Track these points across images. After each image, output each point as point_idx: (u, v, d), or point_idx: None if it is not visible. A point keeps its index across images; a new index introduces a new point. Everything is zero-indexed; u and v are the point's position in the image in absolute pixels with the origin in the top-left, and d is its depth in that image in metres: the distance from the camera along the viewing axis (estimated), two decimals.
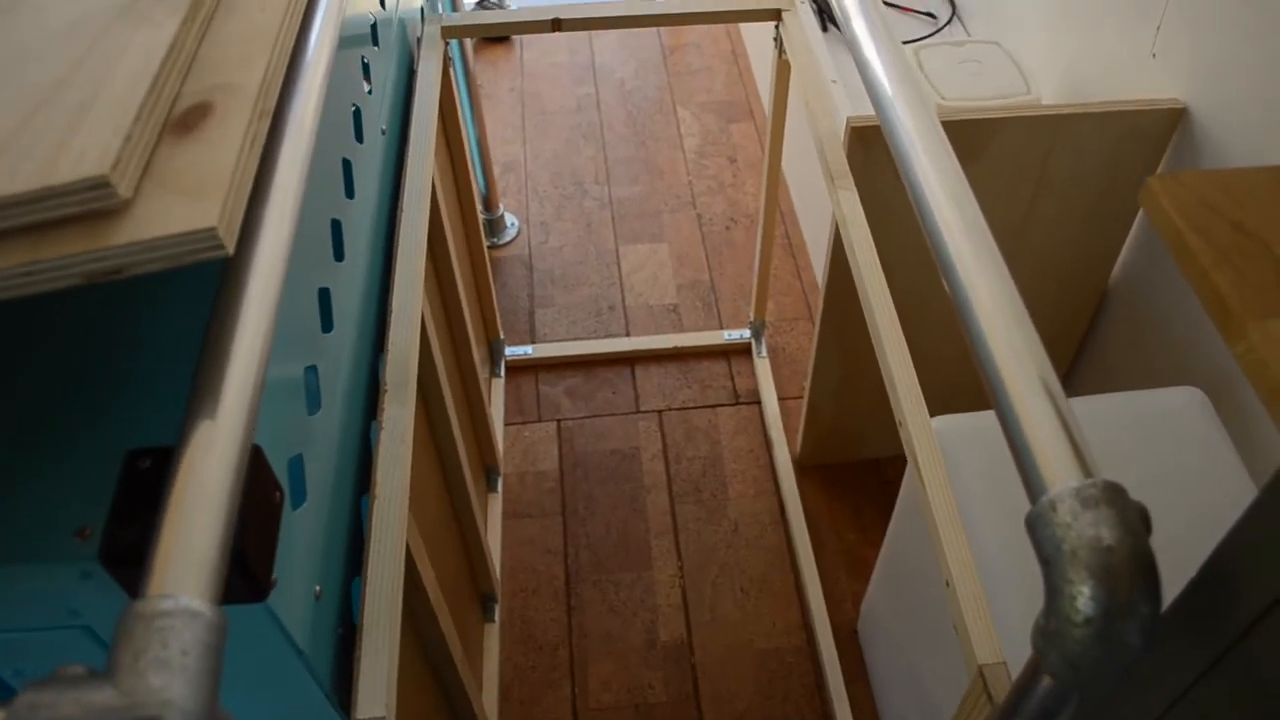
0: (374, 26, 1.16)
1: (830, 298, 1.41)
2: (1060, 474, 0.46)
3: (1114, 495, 0.45)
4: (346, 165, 0.95)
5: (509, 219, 2.27)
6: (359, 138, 1.02)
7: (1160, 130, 1.30)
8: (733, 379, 1.95)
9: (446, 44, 1.40)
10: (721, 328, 2.04)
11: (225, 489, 0.51)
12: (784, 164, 2.35)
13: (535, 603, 1.62)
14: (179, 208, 0.52)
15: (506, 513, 1.73)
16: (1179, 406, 1.12)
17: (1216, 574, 0.48)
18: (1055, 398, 0.51)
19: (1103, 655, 0.44)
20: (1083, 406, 1.13)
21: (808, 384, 1.62)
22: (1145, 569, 0.44)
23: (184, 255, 0.51)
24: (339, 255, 0.88)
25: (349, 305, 0.90)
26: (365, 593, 0.77)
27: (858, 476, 1.77)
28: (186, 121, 0.58)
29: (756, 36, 2.71)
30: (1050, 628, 0.45)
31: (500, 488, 1.74)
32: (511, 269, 2.18)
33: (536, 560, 1.67)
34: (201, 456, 0.51)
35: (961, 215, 0.64)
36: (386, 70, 1.21)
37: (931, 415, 0.93)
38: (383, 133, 1.12)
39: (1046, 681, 0.50)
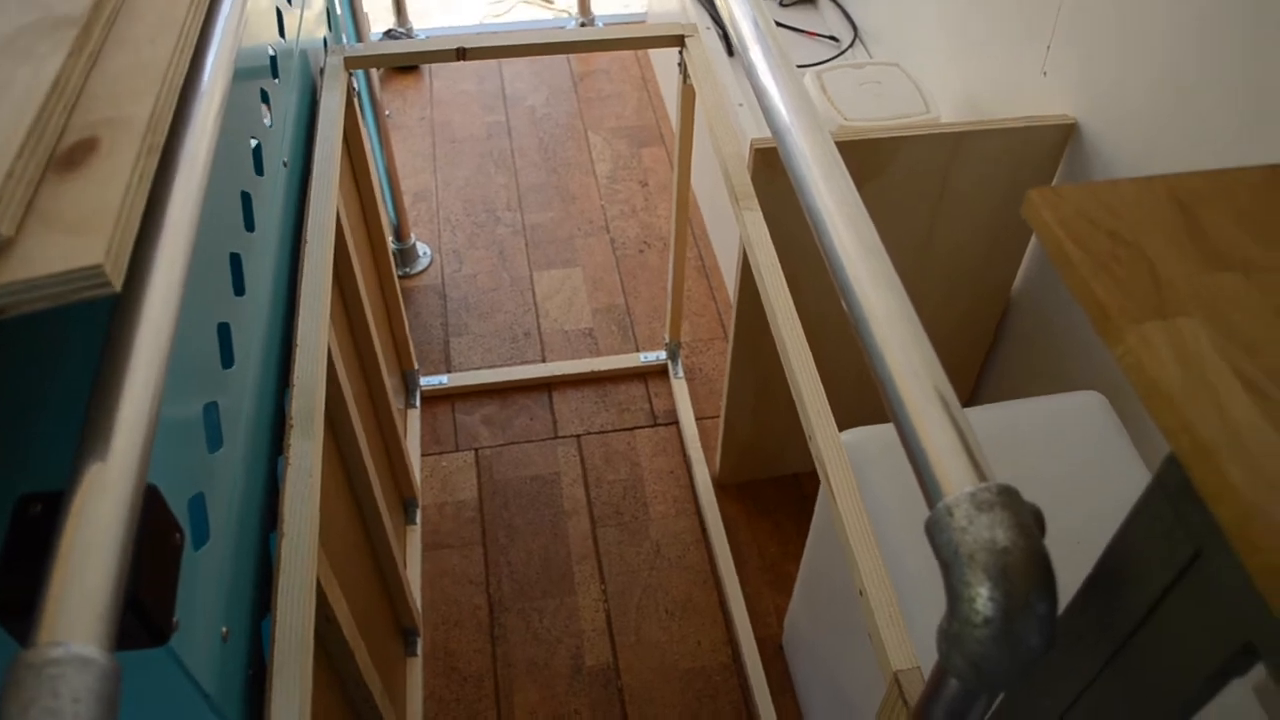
0: (273, 58, 1.15)
1: (741, 317, 1.43)
2: (955, 480, 0.47)
3: (1008, 498, 0.46)
4: (246, 198, 0.93)
5: (421, 248, 2.26)
6: (259, 170, 1.00)
7: (1053, 144, 1.35)
8: (650, 401, 1.95)
9: (350, 75, 1.39)
10: (638, 350, 2.04)
11: (118, 531, 0.49)
12: (695, 187, 2.37)
13: (458, 634, 1.60)
14: (63, 245, 0.50)
15: (426, 544, 1.71)
16: (1080, 410, 1.15)
17: (1111, 569, 0.50)
18: (950, 407, 0.52)
19: (1003, 655, 0.45)
20: (987, 414, 1.16)
21: (724, 403, 1.63)
22: (1041, 569, 0.45)
23: (69, 294, 0.50)
24: (239, 290, 0.86)
25: (251, 340, 0.88)
26: (275, 631, 0.75)
27: (777, 492, 1.78)
28: (72, 157, 0.57)
29: (665, 62, 2.74)
30: (952, 630, 0.46)
31: (419, 519, 1.72)
32: (425, 298, 2.16)
33: (458, 591, 1.65)
34: (92, 499, 0.50)
35: (858, 237, 0.65)
36: (288, 102, 1.19)
37: (843, 428, 0.94)
38: (285, 165, 1.11)
39: (953, 684, 0.51)
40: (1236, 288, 0.47)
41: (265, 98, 1.09)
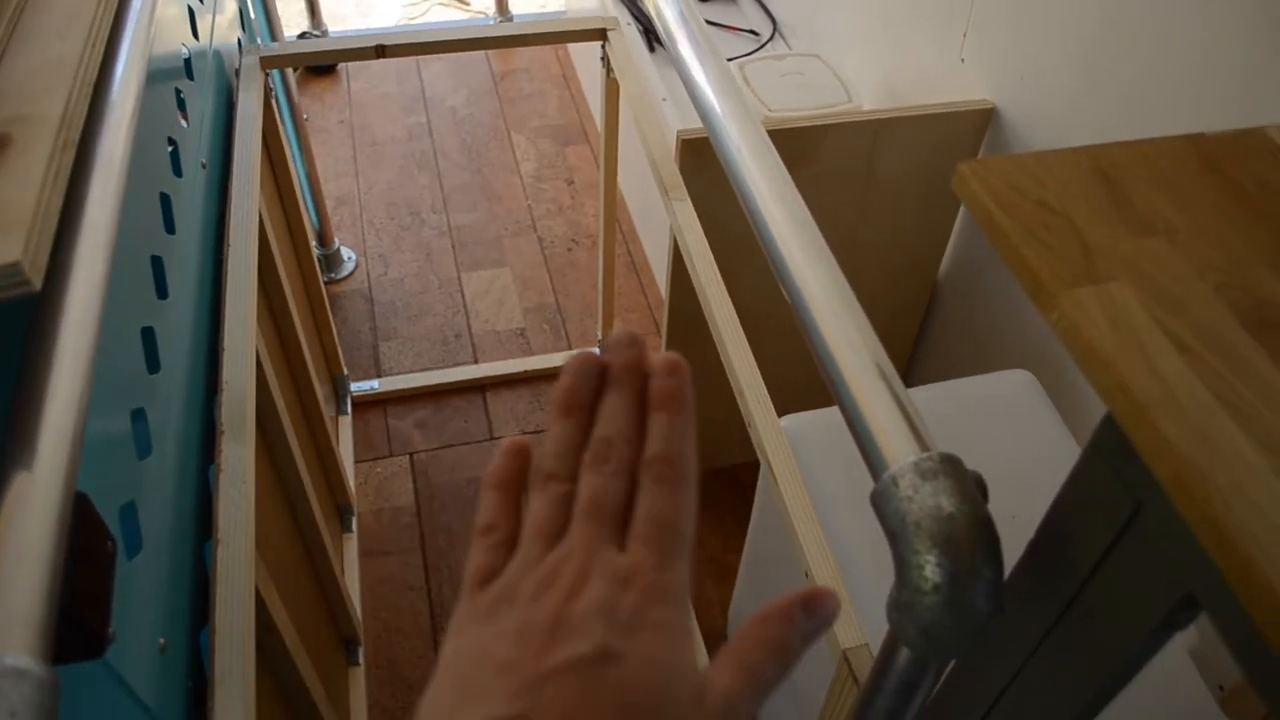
0: (187, 60, 1.12)
1: (674, 309, 1.43)
2: (899, 450, 0.48)
3: (951, 466, 0.47)
4: (165, 200, 0.91)
5: (345, 253, 2.22)
6: (178, 171, 0.98)
7: (974, 128, 1.37)
8: None
9: (267, 75, 1.36)
10: (570, 348, 2.04)
11: (48, 540, 0.48)
12: (621, 184, 2.37)
13: (400, 641, 1.58)
14: None
15: (364, 551, 1.68)
16: (1010, 388, 1.17)
17: (1053, 531, 0.50)
18: (889, 380, 0.53)
19: (953, 621, 0.45)
20: (920, 395, 1.18)
21: None
22: (986, 534, 0.45)
23: None
24: (162, 293, 0.84)
25: (176, 345, 0.86)
26: (215, 642, 0.73)
27: (716, 485, 1.79)
28: None
29: (586, 60, 2.73)
30: (902, 599, 0.46)
31: (355, 527, 1.69)
32: (351, 303, 2.13)
33: (399, 598, 1.63)
34: (20, 508, 0.48)
35: (790, 215, 0.66)
36: (204, 103, 1.17)
37: (782, 415, 0.95)
38: (203, 166, 1.08)
39: (904, 654, 0.51)
40: (1161, 252, 0.48)
41: (180, 99, 1.06)
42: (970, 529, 0.45)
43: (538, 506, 0.37)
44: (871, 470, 0.49)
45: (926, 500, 0.45)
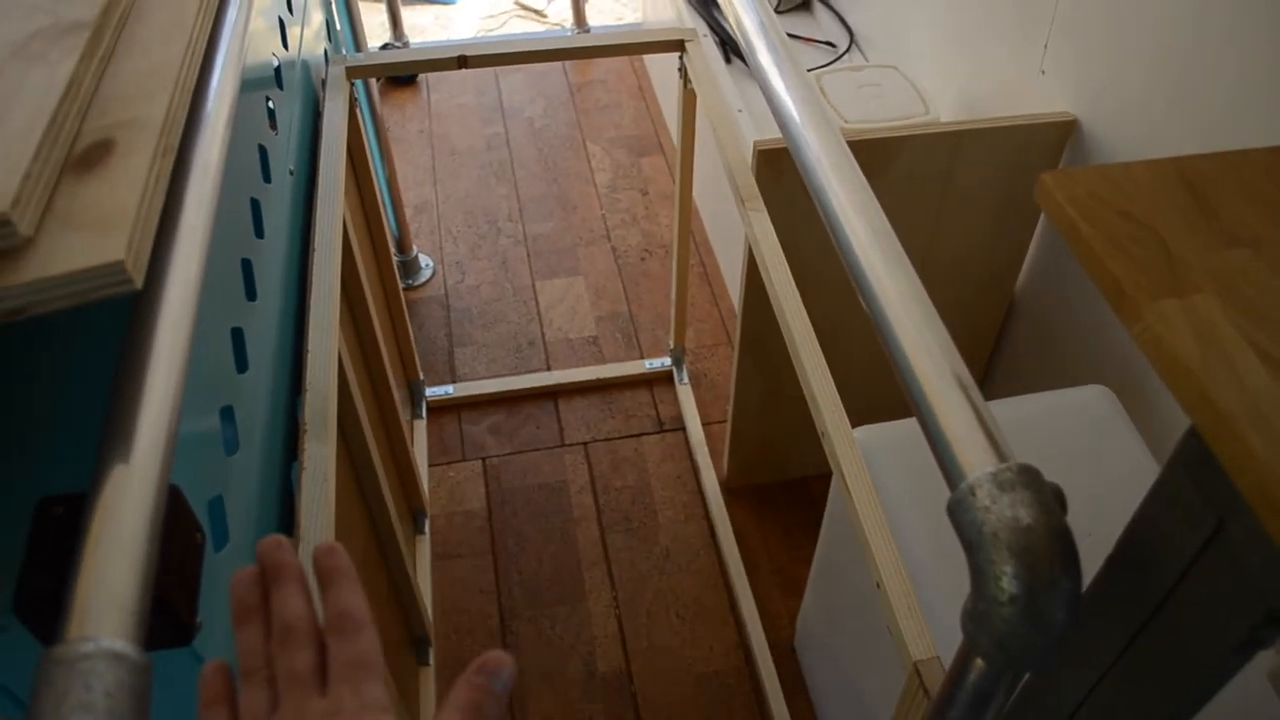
0: (277, 69, 1.15)
1: (747, 319, 1.43)
2: (977, 460, 0.48)
3: (1029, 477, 0.46)
4: (255, 205, 0.94)
5: (423, 260, 2.26)
6: (266, 178, 1.01)
7: (1053, 141, 1.35)
8: (656, 407, 1.96)
9: (352, 85, 1.39)
10: (642, 357, 2.05)
11: (143, 530, 0.49)
12: (695, 194, 2.38)
13: (470, 643, 1.60)
14: (83, 244, 0.51)
15: (436, 554, 1.71)
16: (1088, 404, 1.15)
17: (1134, 544, 0.50)
18: (968, 389, 0.52)
19: (1029, 632, 0.45)
20: (995, 409, 1.16)
21: (730, 407, 1.63)
22: (1064, 545, 0.45)
23: (90, 292, 0.50)
24: (251, 295, 0.87)
25: (264, 346, 0.89)
26: None
27: (785, 496, 1.78)
28: (88, 159, 0.57)
29: (662, 72, 2.75)
30: (978, 610, 0.46)
31: (428, 529, 1.72)
32: (428, 310, 2.17)
33: (469, 600, 1.65)
34: (117, 499, 0.50)
35: (869, 225, 0.66)
36: (292, 112, 1.20)
37: (854, 427, 0.95)
38: (291, 173, 1.11)
39: (978, 665, 0.51)
40: (1247, 263, 0.47)
41: (270, 108, 1.09)
42: (1048, 540, 0.44)
43: (245, 698, 0.45)
44: (949, 480, 0.49)
45: (1004, 511, 0.45)
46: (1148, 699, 0.51)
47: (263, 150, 1.02)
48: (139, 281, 0.51)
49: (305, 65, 1.34)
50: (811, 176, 0.69)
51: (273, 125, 1.10)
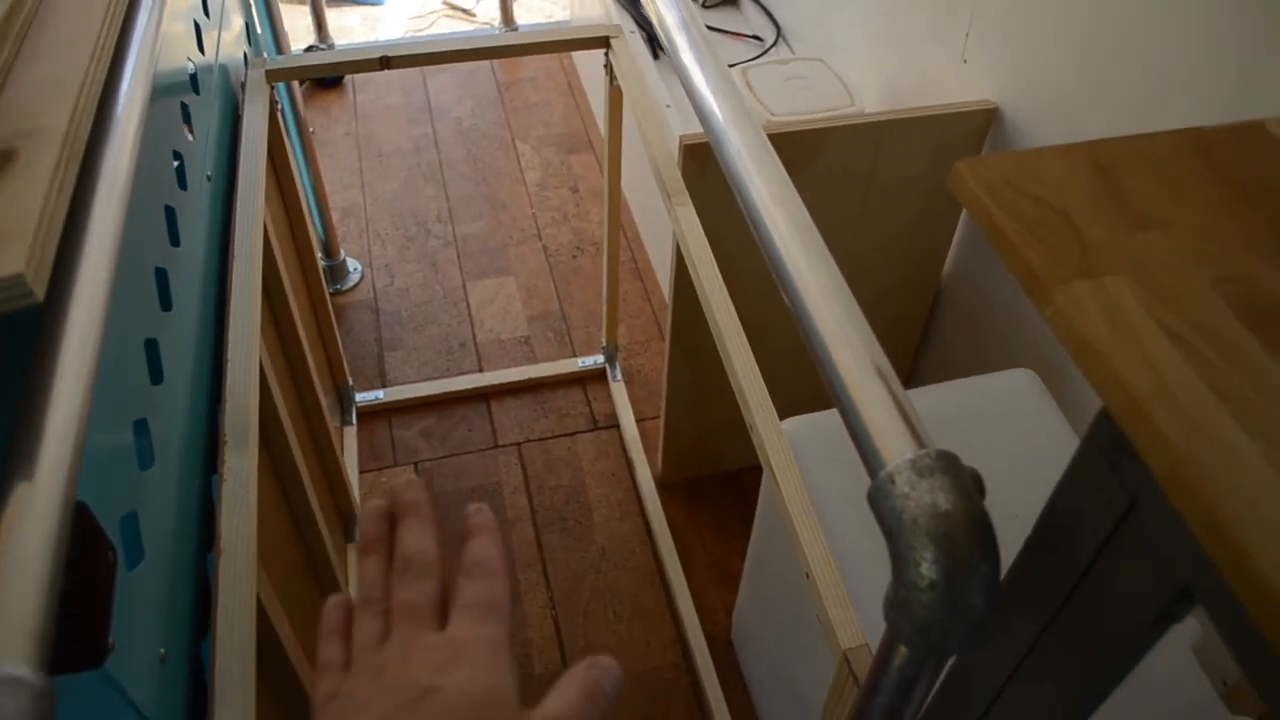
0: (193, 74, 1.13)
1: (677, 314, 1.43)
2: (895, 448, 0.48)
3: (948, 463, 0.47)
4: (170, 212, 0.91)
5: (351, 264, 2.23)
6: (182, 184, 0.98)
7: (976, 129, 1.37)
8: (590, 405, 1.95)
9: (272, 88, 1.37)
10: (575, 355, 2.04)
11: (47, 550, 0.48)
12: (626, 191, 2.38)
13: None
14: None
15: None
16: (1013, 387, 1.17)
17: (1050, 526, 0.50)
18: (887, 379, 0.53)
19: (949, 617, 0.45)
20: (923, 395, 1.18)
21: (663, 403, 1.63)
22: (982, 530, 0.45)
23: None
24: (166, 305, 0.85)
25: (180, 356, 0.86)
26: (215, 652, 0.74)
27: (719, 489, 1.79)
28: None
29: (591, 69, 2.74)
30: (899, 597, 0.46)
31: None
32: (357, 314, 2.14)
33: None
34: (20, 518, 0.48)
35: (790, 218, 0.66)
36: (210, 117, 1.17)
37: (783, 419, 0.95)
38: (208, 179, 1.09)
39: (902, 652, 0.51)
40: (1157, 245, 0.48)
41: (186, 113, 1.07)
42: (967, 526, 0.45)
43: (359, 627, 0.44)
44: (869, 468, 0.49)
45: (923, 497, 0.45)
46: (1069, 676, 0.52)
47: (178, 157, 0.99)
48: (40, 294, 0.50)
49: (224, 69, 1.31)
50: (732, 170, 0.69)
51: (190, 131, 1.07)
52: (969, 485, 0.46)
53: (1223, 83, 1.00)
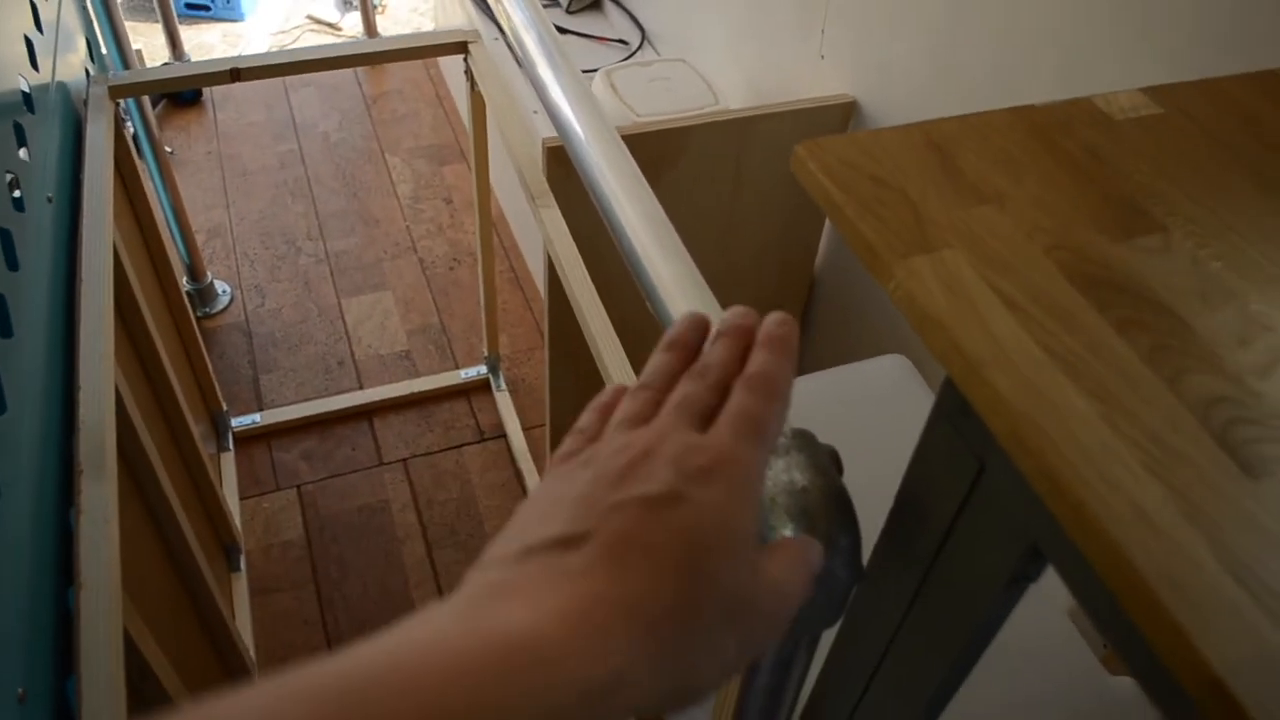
0: (26, 93, 1.08)
1: (554, 318, 1.42)
2: None
3: (803, 441, 0.47)
4: (5, 236, 0.87)
5: (219, 286, 2.17)
6: (19, 207, 0.94)
7: (836, 122, 1.40)
8: (475, 416, 1.93)
9: (118, 105, 1.32)
10: (457, 367, 2.01)
11: None
12: (500, 200, 2.36)
13: None
14: None
15: (254, 590, 1.64)
16: (886, 372, 1.20)
17: (908, 496, 0.51)
18: None
19: (815, 593, 0.46)
20: (801, 385, 1.19)
21: (547, 409, 1.63)
22: (840, 504, 0.46)
23: None
24: (6, 332, 0.81)
25: (26, 385, 0.82)
26: (81, 689, 0.70)
27: None
28: None
29: (458, 77, 2.72)
30: None
31: (243, 565, 1.64)
32: (228, 337, 2.07)
33: (293, 634, 1.59)
34: None
35: (643, 212, 0.66)
36: (48, 137, 1.12)
37: None
38: (49, 200, 1.04)
39: None
40: (992, 218, 0.49)
41: (21, 133, 1.02)
42: (824, 500, 0.45)
43: (625, 404, 0.40)
44: None
45: (780, 476, 0.46)
46: (940, 642, 0.53)
47: (13, 179, 0.95)
48: None
49: (64, 88, 1.26)
50: (587, 171, 0.69)
51: (26, 151, 1.02)
52: (826, 462, 0.47)
53: (1064, 62, 1.04)
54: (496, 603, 0.30)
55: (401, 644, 0.27)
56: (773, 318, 0.44)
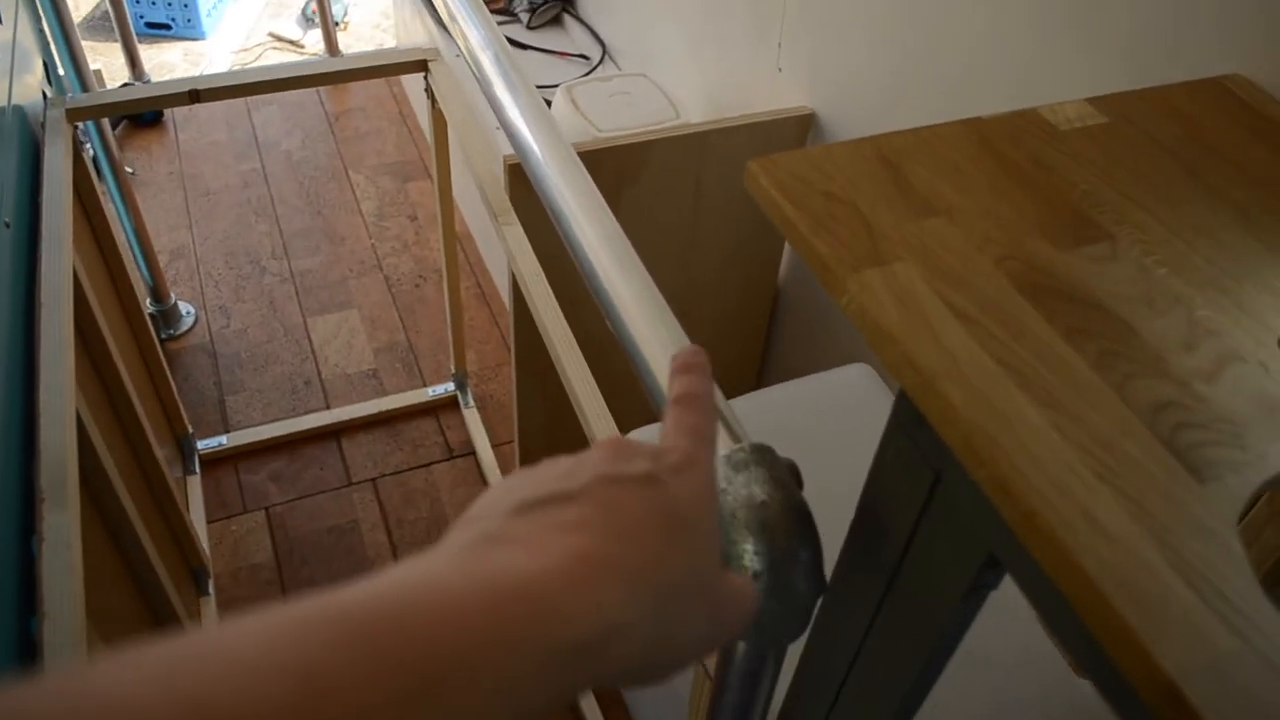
0: None
1: (519, 334, 1.43)
2: None
3: (762, 455, 0.48)
4: None
5: (183, 307, 2.15)
6: None
7: (795, 135, 1.41)
8: (444, 434, 1.92)
9: (76, 128, 1.31)
10: (425, 385, 2.01)
11: None
12: (465, 216, 2.36)
13: None
14: None
15: (224, 613, 1.62)
16: (850, 382, 1.21)
17: (868, 509, 0.52)
18: None
19: (778, 606, 0.46)
20: (766, 397, 1.20)
21: (515, 425, 1.62)
22: (800, 518, 0.46)
23: None
24: None
25: None
26: None
27: None
28: None
29: (422, 95, 2.71)
30: None
31: (212, 589, 1.63)
32: (193, 359, 2.06)
33: None
34: None
35: (601, 230, 0.66)
36: (5, 162, 1.11)
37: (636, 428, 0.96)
38: (6, 226, 1.03)
39: (741, 646, 0.52)
40: (942, 231, 0.50)
41: None
42: (783, 514, 0.45)
43: None
44: None
45: (740, 491, 0.46)
46: (902, 652, 0.54)
47: None
48: None
49: (20, 111, 1.25)
50: (544, 188, 0.69)
51: None
52: (785, 476, 0.47)
53: (1014, 74, 1.06)
54: (495, 550, 0.31)
55: (396, 586, 0.27)
56: (686, 348, 0.47)
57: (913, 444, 0.47)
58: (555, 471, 0.36)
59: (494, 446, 1.88)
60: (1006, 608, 0.54)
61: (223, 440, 1.86)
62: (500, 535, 0.32)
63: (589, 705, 1.50)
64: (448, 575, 0.29)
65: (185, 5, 3.11)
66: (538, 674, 0.28)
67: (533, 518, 0.33)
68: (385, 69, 1.40)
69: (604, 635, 0.30)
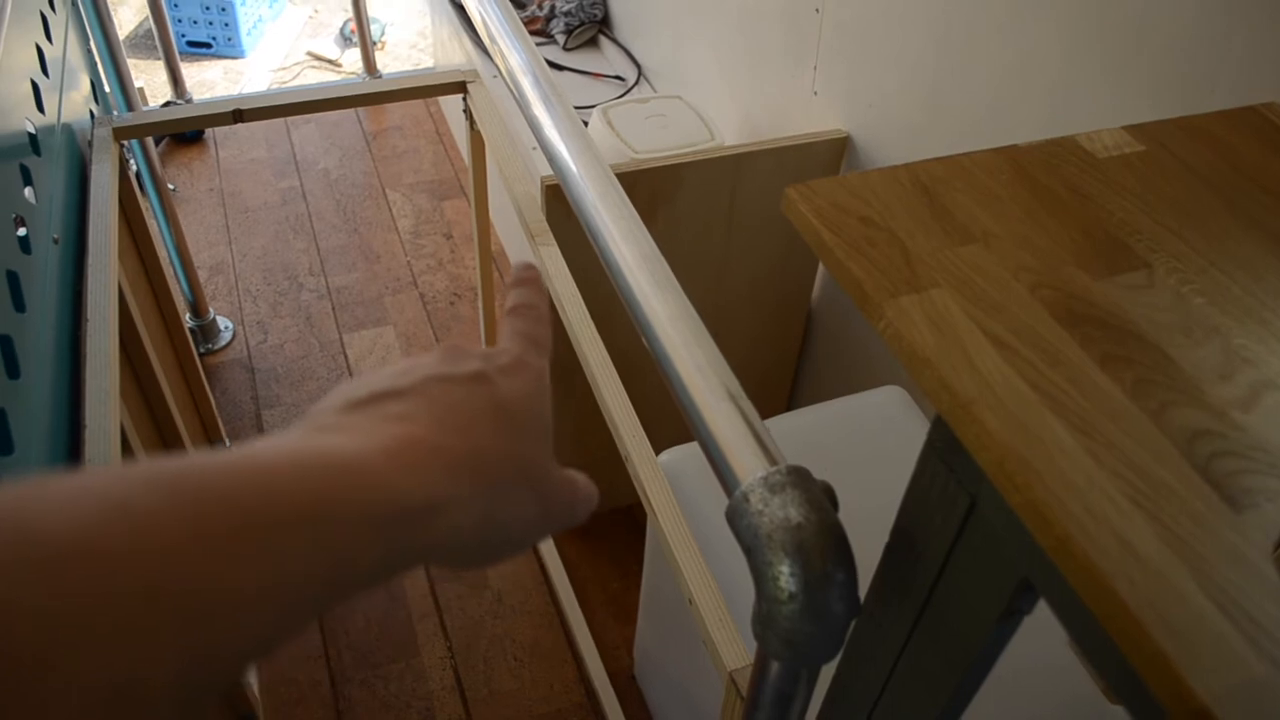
0: (33, 135, 1.09)
1: (554, 353, 1.44)
2: (748, 467, 0.49)
3: (799, 478, 0.48)
4: (13, 278, 0.88)
5: (222, 322, 2.18)
6: (25, 249, 0.95)
7: (829, 157, 1.42)
8: None
9: (122, 146, 1.34)
10: None
11: None
12: (500, 235, 2.38)
13: (301, 713, 1.54)
14: None
15: None
16: (883, 404, 1.21)
17: (903, 532, 0.52)
18: (737, 400, 0.54)
19: (812, 627, 0.47)
20: (799, 419, 1.21)
21: None
22: (836, 540, 0.47)
23: None
24: (13, 373, 0.82)
25: (31, 424, 0.83)
26: None
27: (611, 526, 1.79)
28: None
29: (457, 114, 2.74)
30: (763, 612, 0.47)
31: None
32: (231, 373, 2.09)
33: (296, 669, 1.59)
34: None
35: (638, 249, 0.67)
36: (54, 179, 1.14)
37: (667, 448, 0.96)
38: (55, 242, 1.06)
39: (774, 666, 0.53)
40: (978, 257, 0.51)
41: (28, 175, 1.03)
42: (819, 536, 0.46)
43: None
44: (725, 489, 0.51)
45: (776, 512, 0.47)
46: (938, 675, 0.54)
47: (19, 220, 0.96)
48: None
49: (69, 129, 1.28)
50: (583, 209, 0.71)
51: (32, 193, 1.04)
52: (820, 498, 0.48)
53: (1050, 102, 1.06)
54: (324, 436, 0.33)
55: (221, 457, 0.29)
56: (520, 263, 0.49)
57: (947, 468, 0.47)
58: (389, 372, 0.37)
59: None
60: (1039, 631, 0.54)
61: None
62: (331, 426, 0.34)
63: (609, 701, 1.50)
64: (264, 450, 0.30)
65: (226, 24, 3.17)
66: (354, 539, 0.30)
67: (363, 411, 0.35)
68: (426, 90, 1.43)
69: (425, 506, 0.32)
